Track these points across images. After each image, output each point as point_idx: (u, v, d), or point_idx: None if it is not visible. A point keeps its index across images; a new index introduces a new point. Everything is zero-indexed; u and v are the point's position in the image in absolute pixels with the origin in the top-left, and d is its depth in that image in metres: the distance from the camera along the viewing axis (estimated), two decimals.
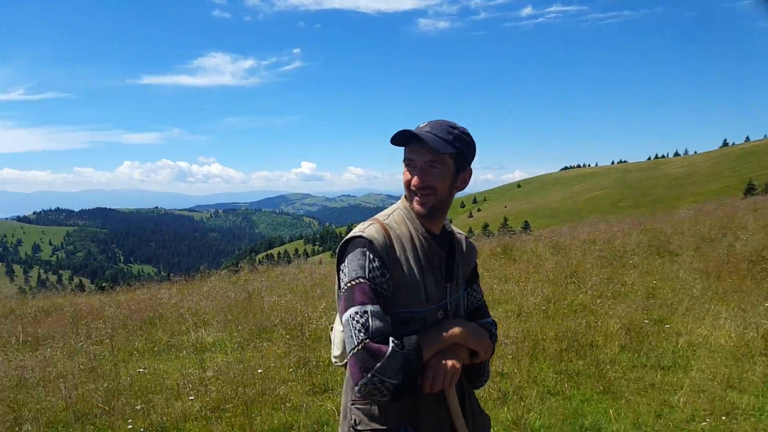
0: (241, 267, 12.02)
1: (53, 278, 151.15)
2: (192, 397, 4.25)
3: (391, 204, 1.74)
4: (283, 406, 4.03)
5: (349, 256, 1.51)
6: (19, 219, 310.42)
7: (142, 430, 3.82)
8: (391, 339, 1.40)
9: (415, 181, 1.55)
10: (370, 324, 1.41)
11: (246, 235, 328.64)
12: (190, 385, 4.52)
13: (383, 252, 1.50)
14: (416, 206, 1.58)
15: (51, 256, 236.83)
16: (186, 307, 7.70)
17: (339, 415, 3.78)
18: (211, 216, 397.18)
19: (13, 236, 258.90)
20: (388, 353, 1.37)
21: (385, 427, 1.51)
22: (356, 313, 1.43)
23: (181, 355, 5.84)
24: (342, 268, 1.53)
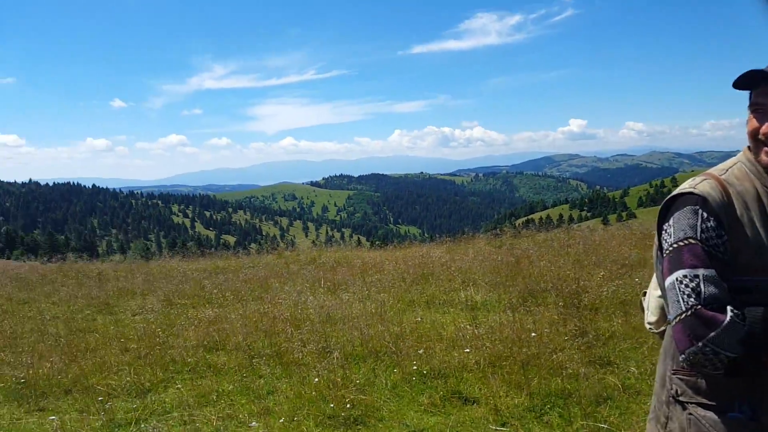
0: (503, 231, 12.29)
1: (337, 235, 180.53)
2: (468, 350, 4.63)
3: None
4: (561, 372, 4.06)
5: (676, 214, 1.42)
6: (312, 184, 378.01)
7: (425, 371, 4.36)
8: (729, 308, 1.29)
9: (765, 129, 1.37)
10: (702, 289, 1.32)
11: (505, 199, 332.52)
12: (465, 339, 4.93)
13: (720, 211, 1.38)
14: (764, 158, 1.40)
15: (335, 216, 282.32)
16: (455, 267, 8.31)
17: (623, 390, 3.63)
18: (472, 180, 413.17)
19: (307, 198, 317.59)
20: (725, 323, 1.27)
21: (713, 403, 1.41)
22: (685, 276, 1.35)
23: (452, 310, 6.38)
24: (665, 228, 1.45)
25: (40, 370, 4.92)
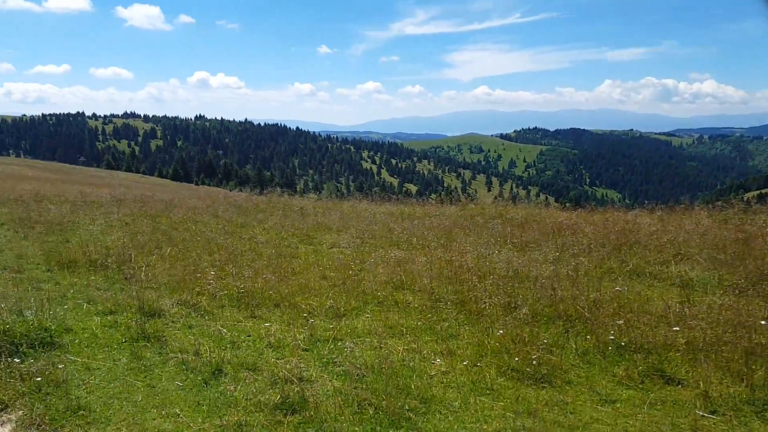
0: (730, 203, 10.77)
1: (522, 192, 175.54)
2: (676, 328, 4.28)
3: None
4: None
5: None
6: (501, 136, 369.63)
7: (622, 343, 4.17)
8: None
9: None
10: None
11: (735, 168, 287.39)
12: (675, 316, 4.55)
13: None
14: None
15: (523, 172, 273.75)
16: (666, 238, 7.60)
17: None
18: (694, 142, 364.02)
19: (495, 152, 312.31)
20: None
21: None
22: None
23: (659, 284, 5.90)
24: None
25: (256, 284, 5.83)
